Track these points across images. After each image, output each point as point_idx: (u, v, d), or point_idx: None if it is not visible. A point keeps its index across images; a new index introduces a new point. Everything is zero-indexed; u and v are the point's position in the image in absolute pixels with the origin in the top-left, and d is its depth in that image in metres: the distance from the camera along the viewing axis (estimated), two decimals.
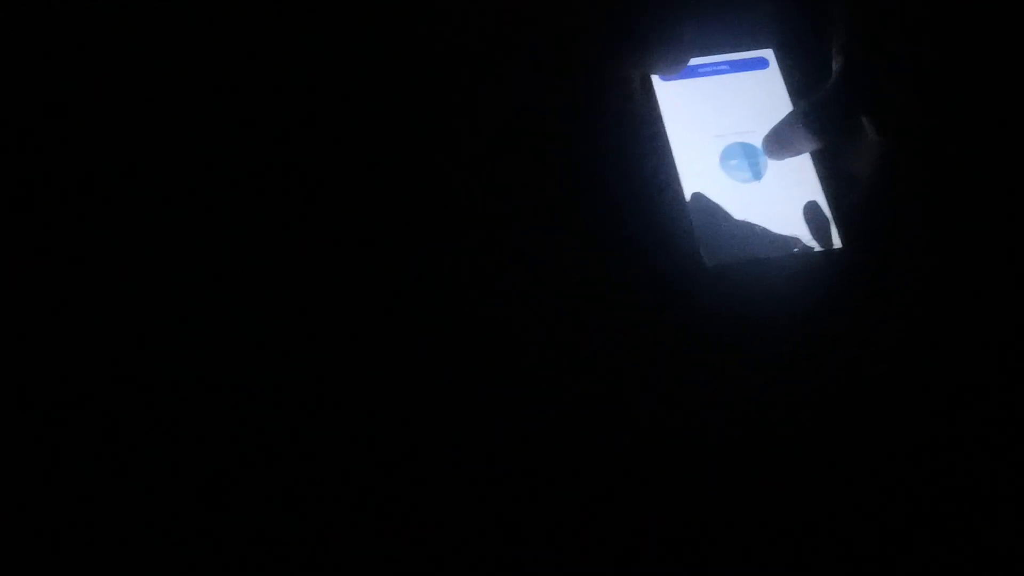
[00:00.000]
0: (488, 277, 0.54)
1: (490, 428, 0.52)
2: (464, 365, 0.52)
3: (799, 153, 0.55)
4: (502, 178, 0.56)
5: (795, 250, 0.54)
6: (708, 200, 0.55)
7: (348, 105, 0.55)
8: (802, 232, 0.55)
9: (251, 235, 0.53)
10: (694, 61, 0.58)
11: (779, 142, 0.55)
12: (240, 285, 0.52)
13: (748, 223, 0.55)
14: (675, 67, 0.56)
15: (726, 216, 0.55)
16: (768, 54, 0.59)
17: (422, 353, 0.52)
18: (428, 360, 0.52)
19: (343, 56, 0.56)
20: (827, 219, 0.55)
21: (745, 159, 0.57)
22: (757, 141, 0.57)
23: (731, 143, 0.57)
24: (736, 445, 0.52)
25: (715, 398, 0.52)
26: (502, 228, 0.55)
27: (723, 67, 0.59)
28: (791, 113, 0.55)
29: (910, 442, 0.53)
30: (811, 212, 0.55)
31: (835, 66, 0.54)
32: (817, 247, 0.54)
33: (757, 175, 0.56)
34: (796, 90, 0.58)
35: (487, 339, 0.53)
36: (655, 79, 0.58)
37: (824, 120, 0.54)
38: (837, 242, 0.54)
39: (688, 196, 0.55)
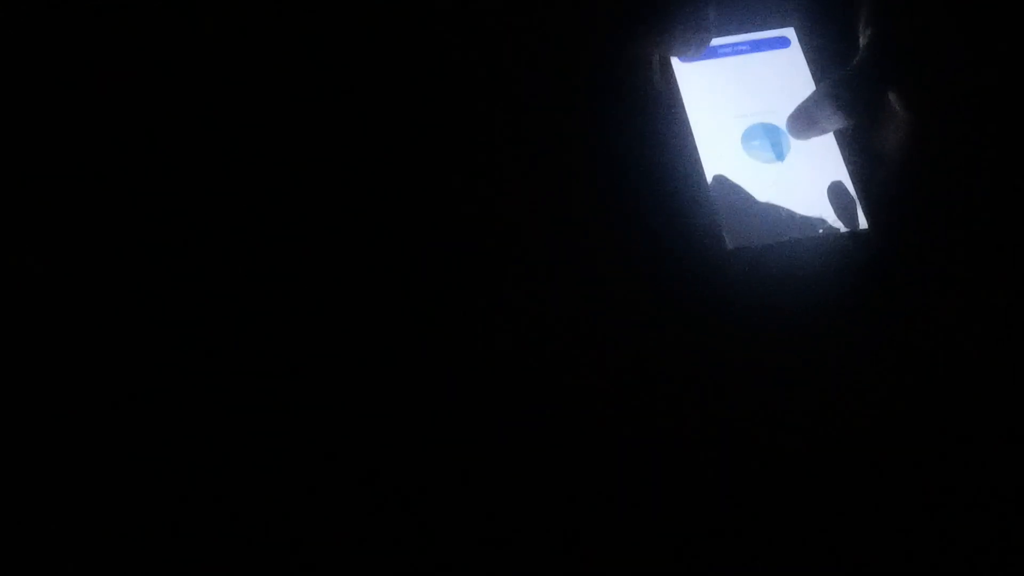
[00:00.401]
0: (510, 261, 0.53)
1: (517, 397, 0.51)
2: (488, 342, 0.52)
3: (824, 132, 0.54)
4: (522, 162, 0.55)
5: (820, 232, 0.53)
6: (730, 182, 0.54)
7: (362, 88, 0.55)
8: (827, 213, 0.53)
9: (244, 234, 0.53)
10: (715, 41, 0.57)
11: (804, 121, 0.54)
12: (233, 285, 0.52)
13: (771, 205, 0.54)
14: (696, 49, 0.55)
15: (749, 198, 0.54)
16: (790, 33, 0.58)
17: (456, 325, 0.51)
18: (460, 329, 0.51)
19: (358, 40, 0.55)
20: (853, 200, 0.54)
21: (768, 139, 0.55)
22: (780, 121, 0.56)
23: (753, 124, 0.56)
24: (759, 431, 0.51)
25: (738, 383, 0.51)
26: (523, 211, 0.54)
27: (744, 47, 0.58)
28: (816, 91, 0.54)
29: (937, 429, 0.52)
30: (836, 193, 0.54)
31: (861, 40, 0.53)
32: (843, 228, 0.53)
33: (780, 155, 0.55)
34: (819, 69, 0.57)
35: (508, 321, 0.52)
36: (675, 61, 0.57)
37: (850, 97, 0.53)
38: (863, 223, 0.53)
39: (710, 178, 0.54)
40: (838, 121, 0.53)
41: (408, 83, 0.56)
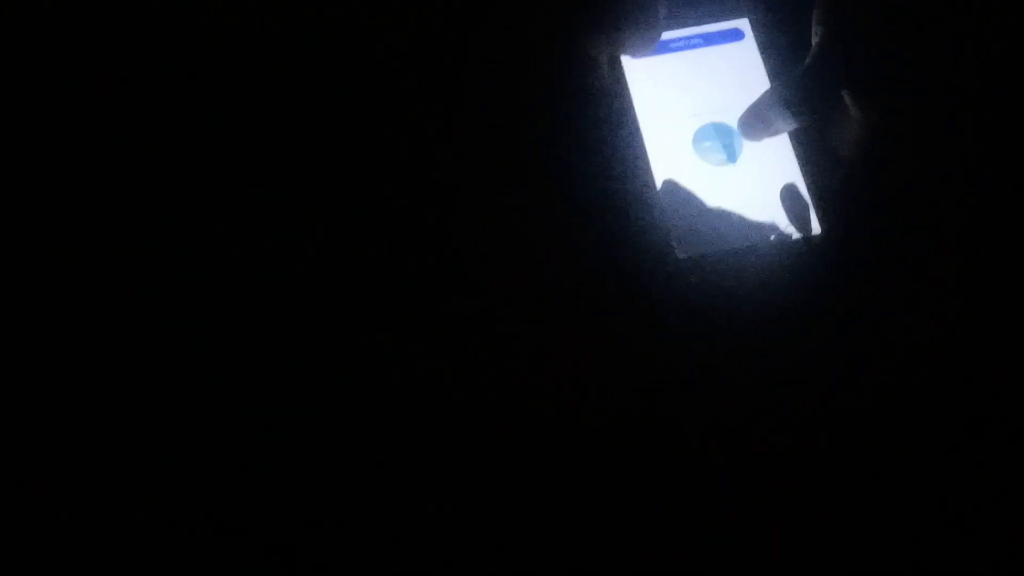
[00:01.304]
0: (451, 271, 0.52)
1: (460, 428, 0.50)
2: (428, 367, 0.50)
3: (777, 133, 0.52)
4: (462, 166, 0.53)
5: (772, 238, 0.51)
6: (681, 187, 0.52)
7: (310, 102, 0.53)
8: (780, 218, 0.52)
9: (224, 237, 0.51)
10: (665, 35, 0.55)
11: (757, 122, 0.52)
12: (224, 286, 0.51)
13: (723, 210, 0.52)
14: (646, 47, 0.53)
15: (700, 204, 0.52)
16: (744, 24, 0.56)
17: (382, 358, 0.50)
18: (391, 364, 0.50)
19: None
20: (806, 203, 0.52)
21: (719, 140, 0.53)
22: (732, 120, 0.54)
23: (705, 123, 0.54)
24: (713, 445, 0.50)
25: (692, 398, 0.50)
26: (464, 218, 0.52)
27: (696, 40, 0.56)
28: (769, 90, 0.52)
29: (896, 435, 0.51)
30: (789, 196, 0.52)
31: (814, 39, 0.51)
32: (796, 234, 0.51)
33: (732, 157, 0.53)
34: (774, 63, 0.55)
35: (452, 338, 0.51)
36: (624, 57, 0.54)
37: (803, 98, 0.51)
38: (817, 228, 0.52)
39: (659, 182, 0.52)
40: (791, 122, 0.51)
41: (348, 85, 0.54)
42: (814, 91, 0.51)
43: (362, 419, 0.50)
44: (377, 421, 0.50)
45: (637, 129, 0.53)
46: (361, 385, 0.50)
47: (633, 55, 0.54)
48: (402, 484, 0.49)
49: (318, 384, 0.50)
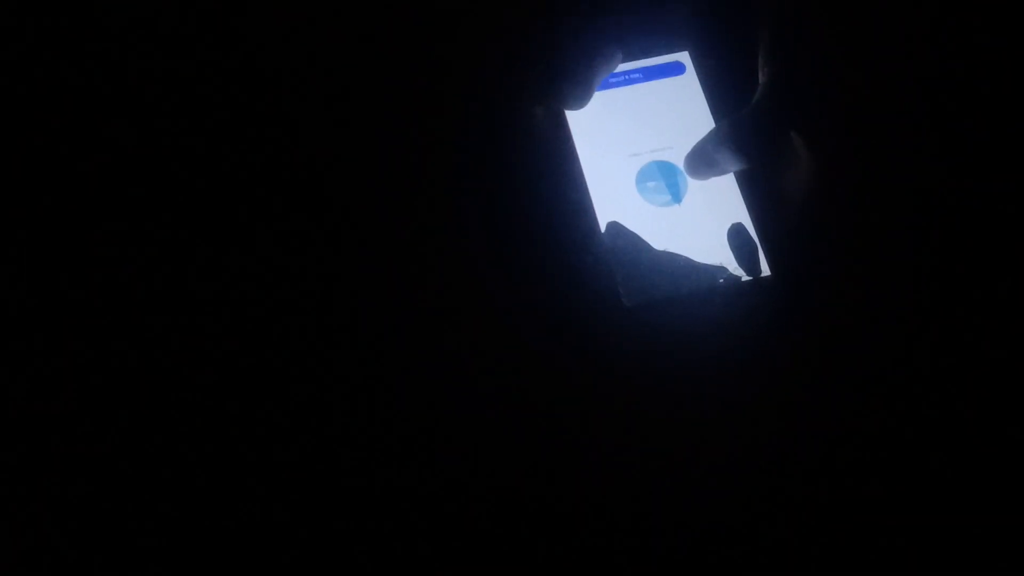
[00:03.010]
0: (395, 318, 0.49)
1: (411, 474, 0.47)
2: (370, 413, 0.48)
3: (723, 173, 0.51)
4: (404, 212, 0.50)
5: (721, 280, 0.50)
6: (626, 230, 0.50)
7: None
8: (727, 260, 0.50)
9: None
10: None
11: (702, 162, 0.50)
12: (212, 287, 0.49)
13: (669, 254, 0.50)
14: (582, 102, 0.51)
15: (645, 247, 0.50)
16: (684, 57, 0.54)
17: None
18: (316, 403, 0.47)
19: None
20: (754, 244, 0.50)
21: (663, 180, 0.52)
22: (676, 159, 0.52)
23: (648, 162, 0.52)
24: (664, 495, 0.48)
25: (641, 449, 0.48)
26: (405, 264, 0.50)
27: (636, 75, 0.54)
28: (714, 130, 0.50)
29: (847, 476, 0.50)
30: (737, 236, 0.51)
31: (761, 78, 0.49)
32: (744, 276, 0.50)
33: (677, 197, 0.51)
34: (716, 97, 0.53)
35: (398, 387, 0.48)
36: None
37: (750, 138, 0.49)
38: (766, 269, 0.50)
39: (603, 226, 0.50)
40: (738, 162, 0.50)
41: (299, 131, 0.51)
42: (762, 132, 0.49)
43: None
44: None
45: (579, 169, 0.51)
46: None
47: (571, 108, 0.52)
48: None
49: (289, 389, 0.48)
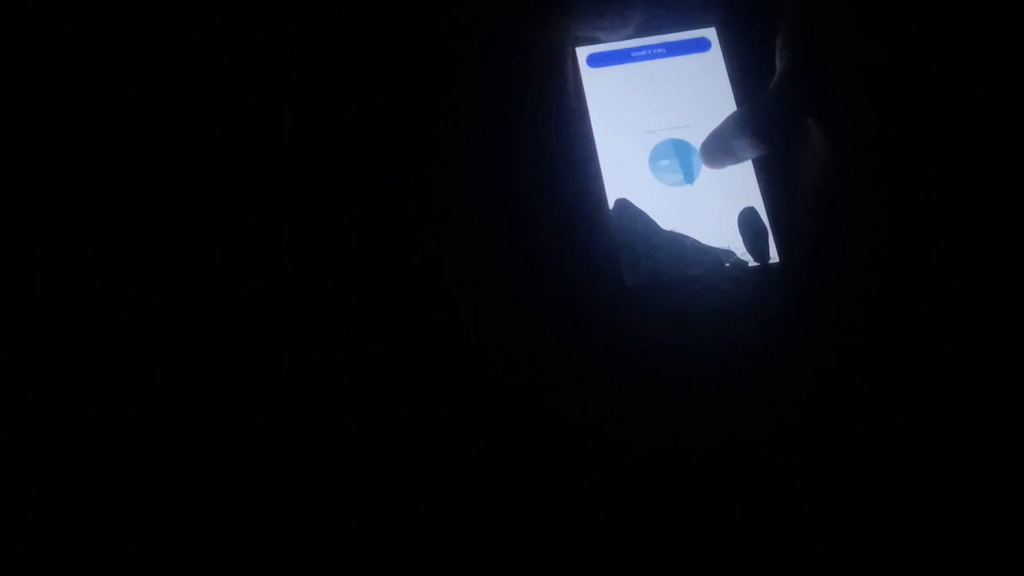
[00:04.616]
0: (395, 296, 0.49)
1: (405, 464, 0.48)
2: (373, 402, 0.48)
3: (740, 161, 0.50)
4: (411, 177, 0.50)
5: (727, 264, 0.49)
6: (634, 208, 0.50)
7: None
8: (736, 244, 0.49)
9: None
10: (628, 43, 0.52)
11: (719, 150, 0.49)
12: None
13: (676, 234, 0.49)
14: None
15: (652, 227, 0.49)
16: (711, 34, 0.53)
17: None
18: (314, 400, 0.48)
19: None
20: (765, 229, 0.50)
21: (677, 159, 0.51)
22: (692, 138, 0.51)
23: (663, 140, 0.51)
24: (662, 484, 0.48)
25: (638, 434, 0.48)
26: (408, 236, 0.50)
27: (659, 50, 0.53)
28: (732, 116, 0.49)
29: (853, 467, 0.49)
30: (747, 221, 0.50)
31: (778, 63, 0.48)
32: (752, 261, 0.49)
33: (689, 177, 0.51)
34: (740, 75, 0.52)
35: (399, 369, 0.48)
36: (583, 66, 0.52)
37: (769, 124, 0.48)
38: (775, 256, 0.49)
39: (612, 203, 0.50)
40: (756, 150, 0.49)
41: (304, 80, 0.51)
42: (780, 119, 0.48)
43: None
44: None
45: (592, 143, 0.51)
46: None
47: (593, 62, 0.51)
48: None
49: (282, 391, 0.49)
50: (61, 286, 0.48)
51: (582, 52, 0.52)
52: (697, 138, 0.51)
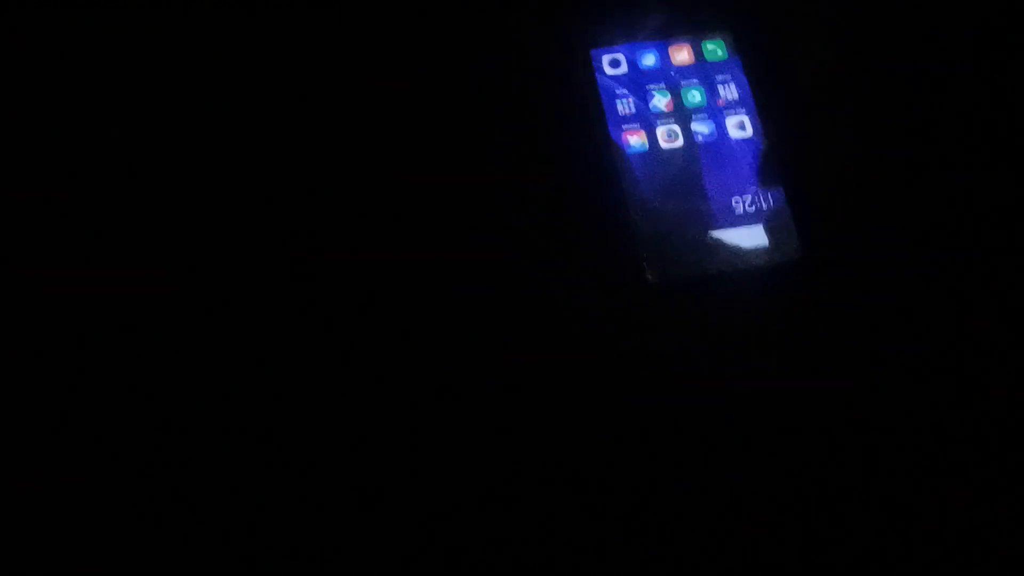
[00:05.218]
0: (416, 293, 0.49)
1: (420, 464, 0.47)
2: (391, 400, 0.48)
3: None
4: (431, 181, 0.51)
5: (750, 262, 0.48)
6: (653, 205, 0.49)
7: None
8: (759, 240, 0.49)
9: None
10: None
11: None
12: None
13: (698, 230, 0.49)
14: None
15: (673, 224, 0.49)
16: (727, 40, 0.53)
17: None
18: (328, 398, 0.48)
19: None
20: (790, 224, 0.49)
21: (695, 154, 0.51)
22: (709, 129, 0.51)
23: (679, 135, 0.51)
24: (682, 477, 0.47)
25: (660, 432, 0.47)
26: (432, 233, 0.50)
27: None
28: None
29: (879, 462, 0.47)
30: (771, 216, 0.49)
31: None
32: (775, 258, 0.48)
33: (707, 174, 0.50)
34: (756, 78, 0.52)
35: (417, 369, 0.48)
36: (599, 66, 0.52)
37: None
38: (799, 251, 0.49)
39: (631, 201, 0.50)
40: None
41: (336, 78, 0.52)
42: None
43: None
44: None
45: (611, 140, 0.51)
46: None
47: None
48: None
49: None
50: (61, 286, 0.49)
51: (598, 54, 0.52)
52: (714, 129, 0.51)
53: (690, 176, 0.50)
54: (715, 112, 0.52)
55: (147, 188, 0.51)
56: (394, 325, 0.48)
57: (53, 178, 0.51)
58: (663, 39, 0.53)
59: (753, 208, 0.49)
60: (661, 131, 0.51)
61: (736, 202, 0.50)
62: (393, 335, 0.48)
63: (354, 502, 0.46)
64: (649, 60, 0.53)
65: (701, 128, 0.51)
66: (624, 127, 0.51)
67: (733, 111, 0.51)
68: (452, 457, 0.46)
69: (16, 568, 0.46)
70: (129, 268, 0.50)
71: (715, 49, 0.53)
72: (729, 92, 0.52)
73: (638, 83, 0.52)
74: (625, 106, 0.52)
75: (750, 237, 0.49)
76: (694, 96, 0.52)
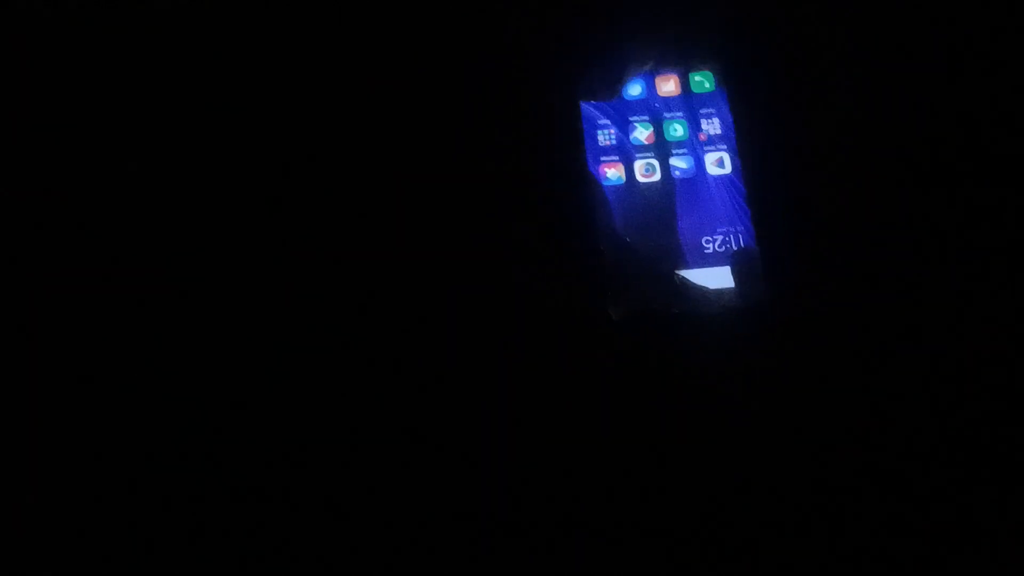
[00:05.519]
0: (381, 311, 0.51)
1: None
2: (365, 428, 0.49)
3: None
4: (419, 225, 0.52)
5: (715, 300, 0.49)
6: (622, 239, 0.50)
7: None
8: (724, 280, 0.49)
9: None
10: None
11: None
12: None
13: (665, 270, 0.50)
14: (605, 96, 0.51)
15: (640, 259, 0.50)
16: (713, 73, 0.53)
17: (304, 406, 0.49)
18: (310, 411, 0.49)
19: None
20: (757, 263, 0.49)
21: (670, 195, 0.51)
22: (690, 166, 0.51)
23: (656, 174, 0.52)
24: (645, 506, 0.48)
25: (622, 472, 0.48)
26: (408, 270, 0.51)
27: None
28: None
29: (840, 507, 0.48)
30: (737, 254, 0.50)
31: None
32: (740, 296, 0.49)
33: (680, 212, 0.51)
34: (741, 114, 0.52)
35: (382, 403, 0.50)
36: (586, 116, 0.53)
37: None
38: (764, 293, 0.49)
39: (600, 232, 0.50)
40: None
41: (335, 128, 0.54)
42: None
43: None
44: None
45: (586, 175, 0.51)
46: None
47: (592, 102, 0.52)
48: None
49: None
50: (61, 286, 0.51)
51: (587, 107, 0.53)
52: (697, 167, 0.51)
53: (663, 212, 0.51)
54: (695, 147, 0.52)
55: (147, 188, 0.53)
56: (381, 328, 0.49)
57: (53, 178, 0.53)
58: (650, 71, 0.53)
59: (723, 248, 0.50)
60: (639, 164, 0.52)
61: (707, 242, 0.50)
62: (380, 339, 0.50)
63: (354, 502, 0.48)
64: (635, 90, 0.53)
65: (680, 164, 0.52)
66: (603, 159, 0.52)
67: (713, 147, 0.51)
68: (452, 457, 0.48)
69: (16, 568, 0.47)
70: (129, 268, 0.51)
71: (702, 81, 0.53)
72: (712, 127, 0.52)
73: (621, 112, 0.53)
74: (606, 137, 0.52)
75: (717, 278, 0.49)
76: (676, 129, 0.52)
